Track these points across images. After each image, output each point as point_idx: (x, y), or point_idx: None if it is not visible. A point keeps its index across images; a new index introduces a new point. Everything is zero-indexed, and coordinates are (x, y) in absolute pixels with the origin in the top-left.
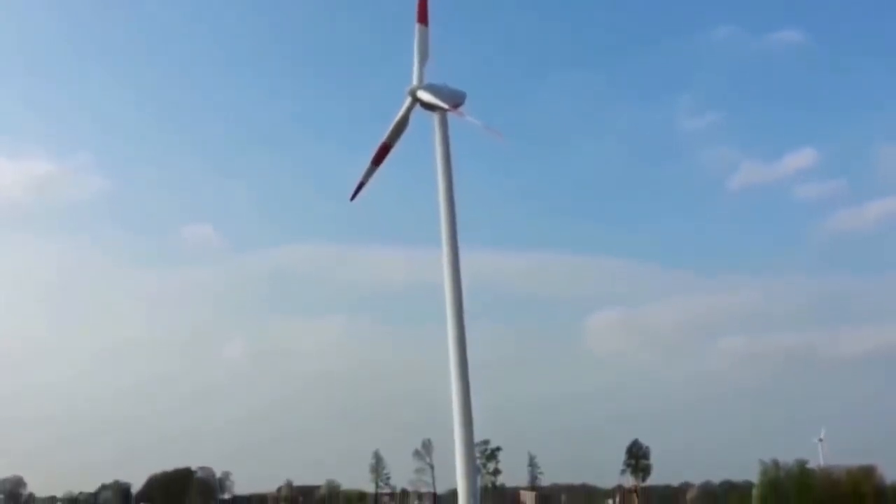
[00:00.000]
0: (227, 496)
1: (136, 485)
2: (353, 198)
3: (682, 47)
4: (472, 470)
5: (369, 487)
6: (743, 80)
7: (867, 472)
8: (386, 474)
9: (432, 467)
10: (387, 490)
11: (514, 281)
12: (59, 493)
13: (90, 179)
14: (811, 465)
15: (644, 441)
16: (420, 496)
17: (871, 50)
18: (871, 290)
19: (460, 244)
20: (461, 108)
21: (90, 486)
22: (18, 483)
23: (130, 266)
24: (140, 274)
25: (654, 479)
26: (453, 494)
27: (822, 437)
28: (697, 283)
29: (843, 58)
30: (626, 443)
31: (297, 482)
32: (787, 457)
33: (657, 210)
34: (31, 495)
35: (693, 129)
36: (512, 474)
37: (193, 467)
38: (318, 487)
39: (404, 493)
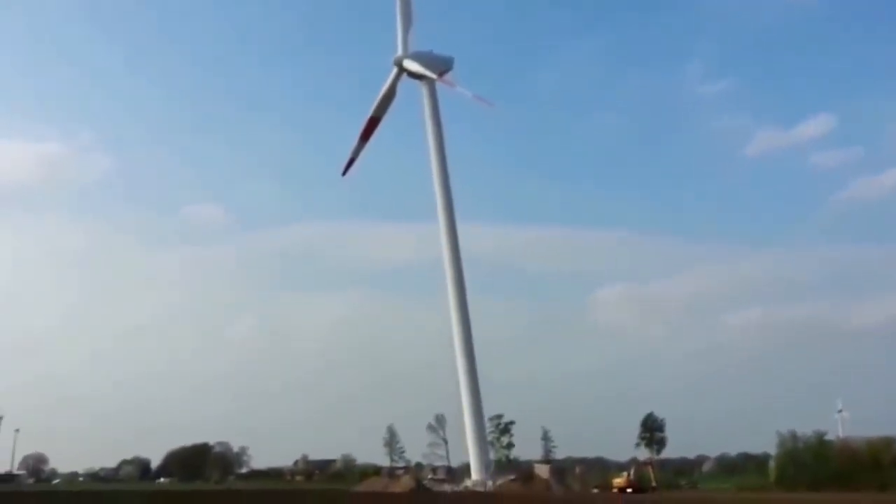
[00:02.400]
0: (244, 470)
1: (156, 460)
2: (344, 173)
3: (691, 11)
4: (483, 442)
5: (384, 461)
6: (756, 44)
7: (887, 443)
8: (400, 448)
9: (446, 441)
10: (401, 464)
11: (522, 255)
12: (81, 469)
13: (98, 159)
14: (830, 436)
15: (659, 414)
16: (434, 469)
17: (889, 13)
18: (887, 259)
19: (464, 219)
20: (449, 76)
21: (111, 462)
22: (40, 459)
23: (141, 246)
24: (151, 253)
25: (669, 452)
26: (468, 468)
27: (841, 408)
28: (709, 254)
29: (860, 21)
30: (641, 416)
31: (313, 456)
32: (805, 428)
33: (667, 181)
34: (53, 471)
35: (705, 96)
36: (526, 448)
37: (211, 442)
38: (333, 461)
39: (419, 466)
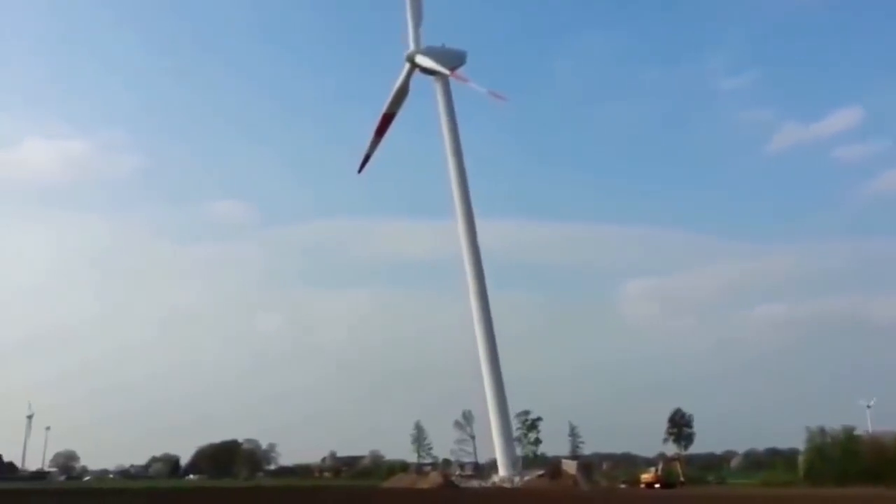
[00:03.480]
0: (272, 467)
1: (185, 457)
2: (360, 170)
3: (715, 3)
4: (510, 438)
5: (412, 458)
6: (781, 36)
7: None
8: (428, 444)
9: (473, 437)
10: (429, 460)
11: (545, 251)
12: (111, 466)
13: (125, 156)
14: (858, 431)
15: (686, 409)
16: (462, 466)
17: None
18: None
19: (487, 215)
20: (461, 71)
21: (141, 459)
22: (71, 457)
23: (168, 243)
24: (178, 250)
25: (697, 448)
26: (495, 464)
27: (871, 403)
28: (734, 248)
29: (885, 13)
30: (668, 411)
31: (341, 453)
32: (834, 423)
33: (690, 175)
34: (83, 468)
35: (728, 89)
36: (553, 444)
37: (240, 439)
38: (361, 458)
39: (446, 462)
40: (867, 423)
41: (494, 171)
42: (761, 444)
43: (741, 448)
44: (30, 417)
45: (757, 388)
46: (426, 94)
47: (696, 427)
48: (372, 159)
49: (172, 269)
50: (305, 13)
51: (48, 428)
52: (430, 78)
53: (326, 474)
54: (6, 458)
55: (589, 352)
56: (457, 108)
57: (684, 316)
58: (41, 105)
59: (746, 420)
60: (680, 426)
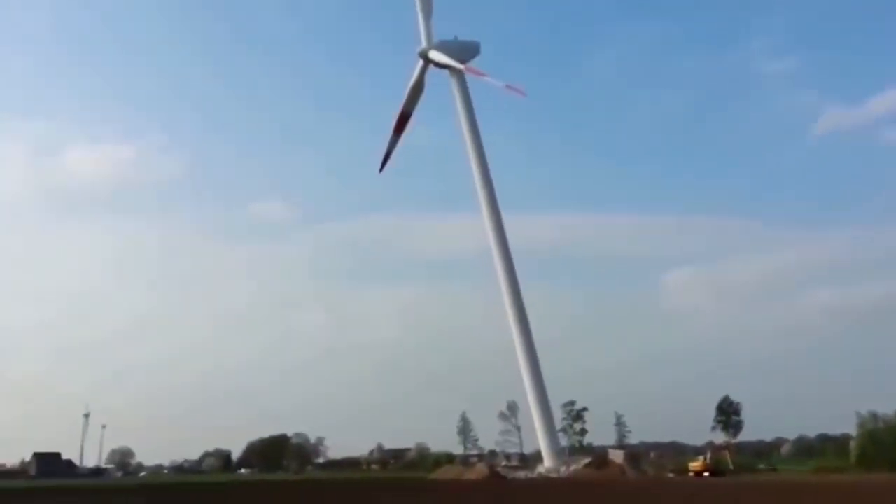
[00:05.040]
0: (321, 460)
1: (237, 452)
2: (381, 169)
3: None
4: (552, 429)
5: (457, 449)
6: (823, 18)
7: None
8: (473, 436)
9: (518, 428)
10: (475, 451)
11: (588, 243)
12: (166, 462)
13: (169, 161)
14: None
15: (735, 397)
16: (508, 457)
17: None
18: None
19: (530, 208)
20: (475, 64)
21: (194, 454)
22: (127, 453)
23: (214, 243)
24: (223, 250)
25: (746, 436)
26: (540, 454)
27: None
28: (780, 234)
29: None
30: (716, 400)
31: (388, 446)
32: (886, 408)
33: (733, 161)
34: (139, 464)
35: (771, 74)
36: (599, 434)
37: (289, 434)
38: (407, 450)
39: (492, 454)
40: None
41: (536, 165)
42: (812, 431)
43: (791, 435)
44: (86, 416)
45: (807, 374)
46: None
47: (745, 415)
48: (393, 156)
49: (220, 269)
50: (346, 13)
51: (104, 426)
52: (446, 72)
53: (374, 467)
54: (65, 457)
55: (634, 342)
56: (491, 102)
57: (730, 303)
58: (86, 111)
59: (796, 406)
60: (728, 414)
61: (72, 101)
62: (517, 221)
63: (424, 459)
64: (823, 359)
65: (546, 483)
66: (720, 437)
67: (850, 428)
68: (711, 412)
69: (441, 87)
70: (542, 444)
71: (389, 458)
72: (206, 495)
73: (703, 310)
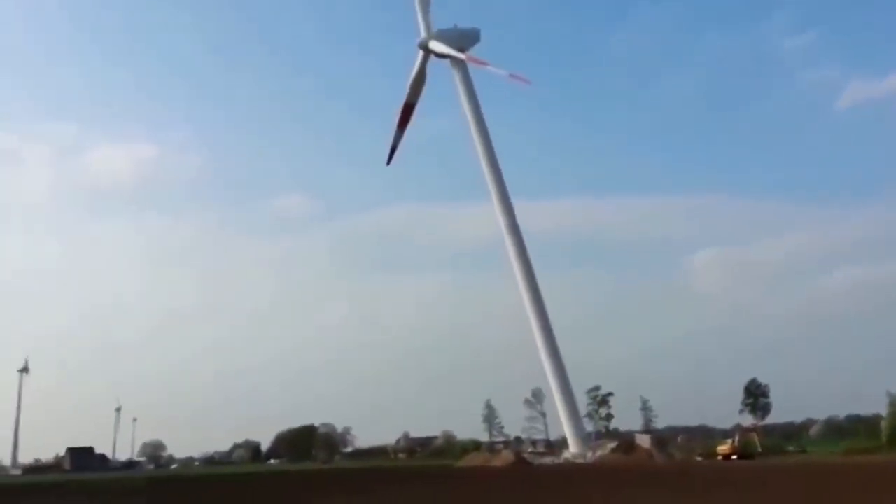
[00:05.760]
0: (349, 449)
1: (265, 443)
2: (388, 162)
3: None
4: (577, 414)
5: (483, 437)
6: None
7: None
8: (499, 423)
9: (544, 415)
10: (500, 439)
11: (610, 228)
12: (196, 454)
13: (191, 157)
14: None
15: (762, 379)
16: (534, 443)
17: None
18: None
19: (551, 195)
20: (475, 53)
21: (224, 446)
22: (158, 446)
23: (238, 239)
24: (247, 245)
25: (774, 417)
26: (565, 440)
27: None
28: (805, 213)
29: None
30: (743, 382)
31: (414, 434)
32: None
33: (755, 139)
34: (170, 456)
35: (791, 50)
36: (625, 419)
37: (316, 424)
38: (434, 438)
39: (518, 440)
40: None
41: (556, 151)
42: (842, 412)
43: (821, 416)
44: (118, 410)
45: (836, 354)
46: (476, 74)
47: (773, 396)
48: (399, 149)
49: (245, 264)
50: (368, 11)
51: (135, 420)
52: (448, 62)
53: (401, 455)
54: (98, 451)
55: (659, 325)
56: (499, 90)
57: (756, 284)
58: (107, 111)
59: (826, 387)
60: (756, 396)
61: (93, 101)
62: (537, 209)
63: (451, 447)
64: (852, 338)
65: (572, 468)
66: (748, 420)
67: (881, 408)
68: (739, 395)
69: (446, 77)
70: (567, 430)
71: (416, 447)
72: (231, 485)
73: (727, 291)
